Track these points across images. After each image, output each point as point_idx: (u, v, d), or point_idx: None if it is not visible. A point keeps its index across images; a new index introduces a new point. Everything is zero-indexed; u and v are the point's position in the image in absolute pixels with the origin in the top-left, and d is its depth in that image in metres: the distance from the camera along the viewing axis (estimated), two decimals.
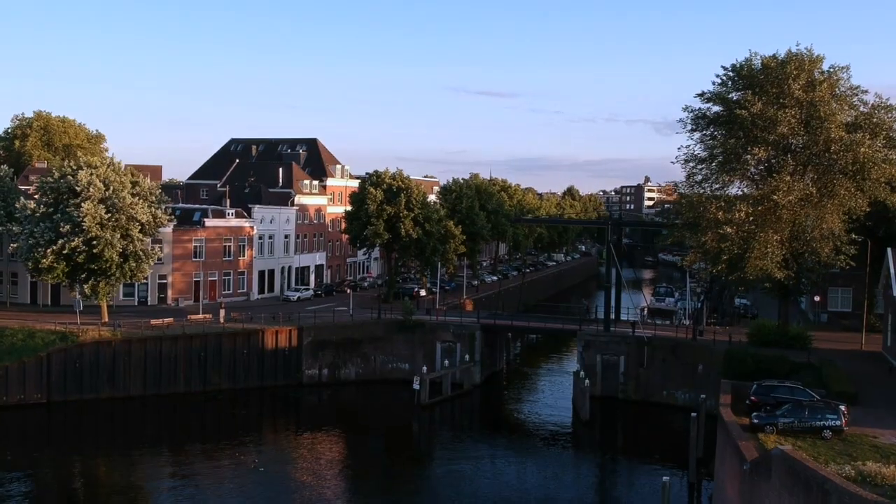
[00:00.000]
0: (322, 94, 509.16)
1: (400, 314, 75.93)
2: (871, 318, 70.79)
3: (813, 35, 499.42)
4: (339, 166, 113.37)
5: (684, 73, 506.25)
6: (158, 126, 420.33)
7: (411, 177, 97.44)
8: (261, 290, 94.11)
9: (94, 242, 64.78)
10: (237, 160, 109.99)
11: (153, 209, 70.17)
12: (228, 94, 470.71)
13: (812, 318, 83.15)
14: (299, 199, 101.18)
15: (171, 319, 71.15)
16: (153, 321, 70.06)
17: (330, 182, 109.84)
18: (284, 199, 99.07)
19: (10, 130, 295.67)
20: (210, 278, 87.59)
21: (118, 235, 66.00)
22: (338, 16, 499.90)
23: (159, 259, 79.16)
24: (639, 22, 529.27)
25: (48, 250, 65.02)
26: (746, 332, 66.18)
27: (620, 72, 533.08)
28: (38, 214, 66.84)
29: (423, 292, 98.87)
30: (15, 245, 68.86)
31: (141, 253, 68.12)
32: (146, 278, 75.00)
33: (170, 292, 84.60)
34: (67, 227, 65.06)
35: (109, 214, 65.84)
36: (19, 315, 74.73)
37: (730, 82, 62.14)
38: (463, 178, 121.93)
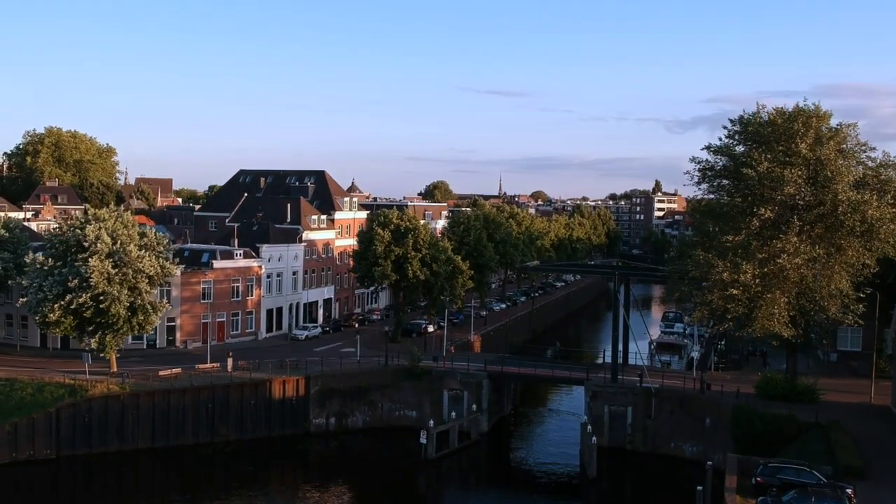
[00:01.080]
0: (333, 94, 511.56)
1: (407, 359, 75.93)
2: (880, 361, 70.71)
3: (823, 33, 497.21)
4: (346, 199, 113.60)
5: (694, 72, 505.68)
6: (169, 134, 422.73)
7: (419, 201, 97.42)
8: (269, 329, 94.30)
9: (102, 298, 65.04)
10: (245, 194, 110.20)
11: (160, 260, 70.38)
12: (240, 96, 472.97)
13: (821, 356, 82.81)
14: (307, 235, 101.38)
15: (178, 370, 71.39)
16: (161, 372, 70.29)
17: (338, 215, 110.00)
18: (292, 236, 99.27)
19: (21, 147, 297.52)
20: (218, 319, 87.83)
21: (125, 290, 66.20)
22: (348, 16, 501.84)
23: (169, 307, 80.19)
24: (647, 22, 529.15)
25: (55, 305, 65.33)
26: (754, 385, 65.93)
27: (630, 71, 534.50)
28: (45, 268, 67.17)
29: (430, 328, 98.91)
30: (24, 299, 69.21)
31: (149, 306, 68.32)
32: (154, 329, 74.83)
33: (178, 335, 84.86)
34: (75, 281, 65.32)
35: (117, 269, 66.04)
36: (29, 362, 75.32)
37: (736, 135, 62.07)
38: (470, 208, 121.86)
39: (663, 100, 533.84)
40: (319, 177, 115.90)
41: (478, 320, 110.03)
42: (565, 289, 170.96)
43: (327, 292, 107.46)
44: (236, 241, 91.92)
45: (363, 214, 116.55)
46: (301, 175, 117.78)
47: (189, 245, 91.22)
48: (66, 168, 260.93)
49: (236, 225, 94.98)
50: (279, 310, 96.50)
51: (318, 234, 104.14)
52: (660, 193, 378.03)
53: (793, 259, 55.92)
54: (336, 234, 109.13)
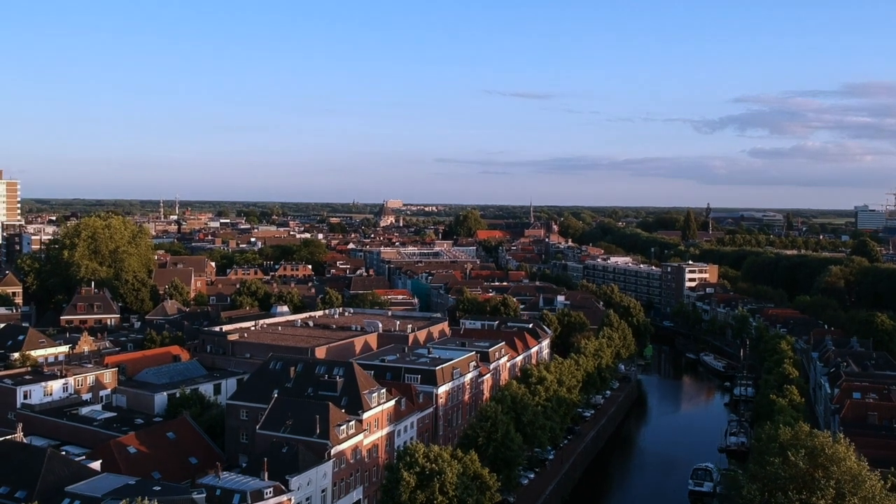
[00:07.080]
0: (357, 97, 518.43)
1: None
2: None
3: (852, 32, 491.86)
4: (375, 394, 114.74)
5: (721, 72, 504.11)
6: (213, 144, 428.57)
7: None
8: None
9: None
10: (276, 392, 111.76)
11: None
12: (261, 99, 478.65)
13: None
14: (336, 449, 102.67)
15: None
16: None
17: (366, 415, 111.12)
18: (321, 453, 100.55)
19: (59, 238, 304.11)
20: None
21: None
22: (369, 21, 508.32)
23: None
24: (673, 22, 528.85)
25: None
26: None
27: (655, 72, 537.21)
28: None
29: None
30: None
31: None
32: None
33: None
34: None
35: None
36: None
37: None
38: (500, 389, 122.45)
39: (691, 100, 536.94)
40: (348, 369, 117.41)
41: None
42: (594, 421, 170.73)
43: (356, 495, 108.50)
44: (266, 473, 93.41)
45: (391, 404, 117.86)
46: (330, 366, 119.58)
47: (220, 483, 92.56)
48: (102, 260, 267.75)
49: (266, 458, 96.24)
50: None
51: (346, 444, 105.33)
52: (691, 262, 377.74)
53: None
54: (364, 434, 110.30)
